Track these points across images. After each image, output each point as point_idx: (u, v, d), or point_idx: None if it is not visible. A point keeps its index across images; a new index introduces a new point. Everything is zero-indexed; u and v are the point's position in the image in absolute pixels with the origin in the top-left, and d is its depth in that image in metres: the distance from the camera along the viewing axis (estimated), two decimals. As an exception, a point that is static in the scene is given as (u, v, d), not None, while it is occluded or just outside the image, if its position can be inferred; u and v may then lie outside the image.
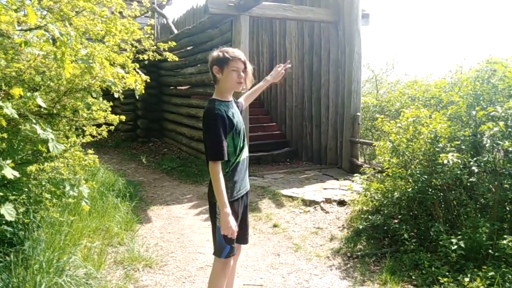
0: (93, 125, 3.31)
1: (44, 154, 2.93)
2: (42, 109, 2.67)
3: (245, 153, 2.32)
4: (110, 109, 3.32)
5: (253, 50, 9.49)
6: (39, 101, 1.96)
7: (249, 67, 2.23)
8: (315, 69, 7.53)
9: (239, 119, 2.26)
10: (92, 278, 2.92)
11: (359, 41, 6.66)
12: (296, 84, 8.17)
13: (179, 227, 4.48)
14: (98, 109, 3.09)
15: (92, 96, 3.08)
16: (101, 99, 3.14)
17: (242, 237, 2.42)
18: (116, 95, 3.04)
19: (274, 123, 9.00)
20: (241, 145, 2.25)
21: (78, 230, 3.52)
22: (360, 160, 7.01)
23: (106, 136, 3.28)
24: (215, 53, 2.20)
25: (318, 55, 7.45)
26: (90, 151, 3.26)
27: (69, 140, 3.04)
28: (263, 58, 9.34)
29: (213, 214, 2.26)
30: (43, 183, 3.02)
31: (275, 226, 4.43)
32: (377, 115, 6.20)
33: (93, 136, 3.22)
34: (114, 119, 3.16)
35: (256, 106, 9.04)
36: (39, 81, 2.72)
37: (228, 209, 2.09)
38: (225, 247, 2.22)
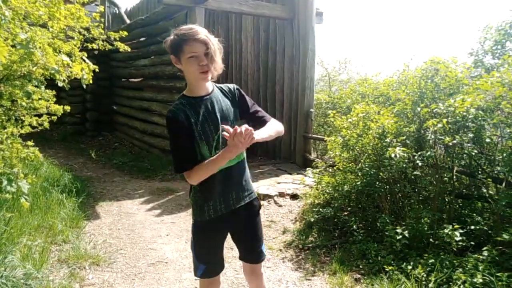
0: (34, 116, 3.10)
1: (-24, 146, 2.71)
2: (-26, 97, 2.45)
3: (228, 163, 1.80)
4: (54, 98, 3.13)
5: (209, 44, 9.35)
6: (-31, 87, 1.79)
7: (214, 47, 1.68)
8: (270, 65, 7.57)
9: (211, 119, 1.76)
10: (32, 278, 2.74)
11: (313, 38, 6.78)
12: (251, 79, 8.17)
13: (129, 223, 4.33)
14: (39, 98, 2.90)
15: (33, 85, 2.88)
16: (43, 88, 2.95)
17: (244, 256, 2.09)
18: (60, 84, 2.86)
19: (230, 118, 8.96)
20: (211, 153, 1.77)
21: (17, 228, 3.29)
22: (313, 155, 7.17)
23: (48, 128, 3.09)
24: (170, 36, 1.74)
25: (273, 51, 7.50)
26: (29, 143, 3.04)
27: (6, 130, 2.82)
28: (219, 52, 9.25)
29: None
30: (-25, 177, 2.78)
31: (228, 220, 4.41)
32: (330, 111, 6.36)
33: (33, 127, 3.01)
34: (58, 109, 2.98)
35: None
36: (-30, 66, 2.50)
37: (226, 151, 1.65)
38: (198, 265, 1.97)
